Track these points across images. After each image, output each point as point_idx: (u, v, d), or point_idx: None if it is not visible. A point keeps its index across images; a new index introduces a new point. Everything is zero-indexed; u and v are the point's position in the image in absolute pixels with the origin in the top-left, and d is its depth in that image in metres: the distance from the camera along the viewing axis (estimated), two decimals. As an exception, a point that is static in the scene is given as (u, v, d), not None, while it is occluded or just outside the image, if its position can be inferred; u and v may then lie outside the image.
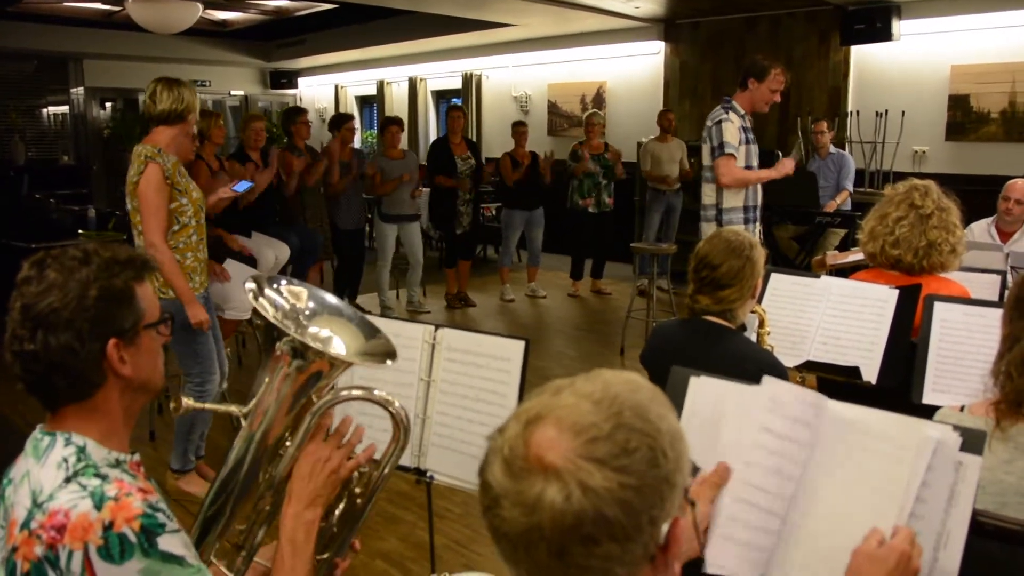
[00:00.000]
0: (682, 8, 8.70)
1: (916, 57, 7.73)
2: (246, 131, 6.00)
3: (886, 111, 7.88)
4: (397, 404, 1.47)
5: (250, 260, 5.27)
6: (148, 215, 3.43)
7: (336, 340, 1.54)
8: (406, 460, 2.12)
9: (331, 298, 1.60)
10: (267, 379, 1.47)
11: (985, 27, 7.26)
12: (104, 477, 1.28)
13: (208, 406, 1.55)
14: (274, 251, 5.54)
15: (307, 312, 1.55)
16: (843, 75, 8.22)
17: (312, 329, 1.54)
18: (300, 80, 14.63)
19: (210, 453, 4.13)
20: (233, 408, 1.52)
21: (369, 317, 1.64)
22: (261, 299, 1.48)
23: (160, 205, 3.45)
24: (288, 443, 1.49)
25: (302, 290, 1.59)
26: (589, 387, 0.93)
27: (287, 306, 1.54)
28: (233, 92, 14.04)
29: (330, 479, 1.45)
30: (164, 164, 3.46)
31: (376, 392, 1.47)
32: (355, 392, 1.47)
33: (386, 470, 1.53)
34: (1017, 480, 1.71)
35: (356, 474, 1.52)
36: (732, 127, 4.52)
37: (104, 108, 12.93)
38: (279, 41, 12.92)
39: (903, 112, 7.78)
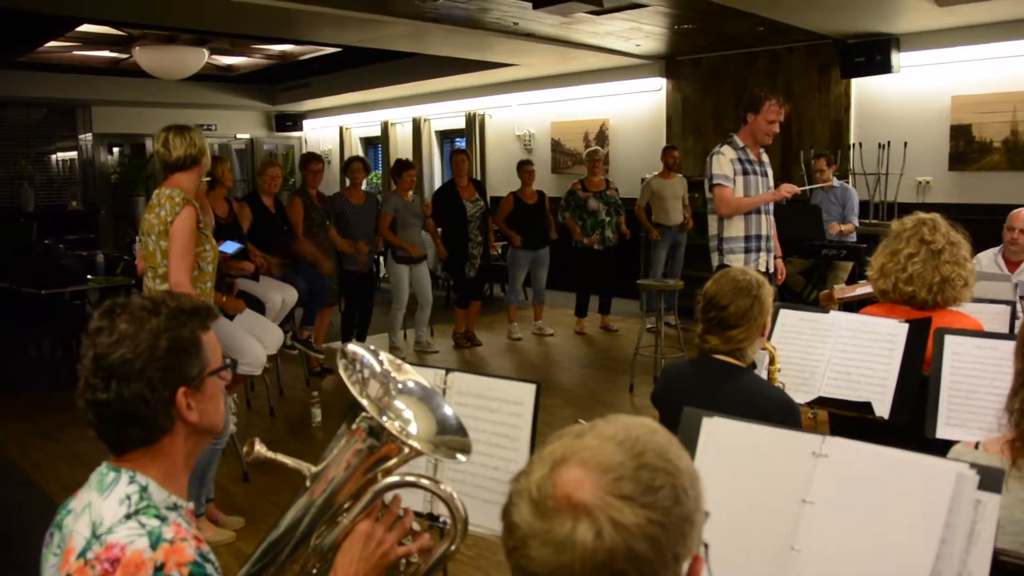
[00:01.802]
0: (682, 45, 8.78)
1: (917, 88, 7.79)
2: (263, 176, 6.07)
3: (888, 143, 7.92)
4: (458, 501, 1.47)
5: (258, 304, 5.28)
6: (178, 256, 3.48)
7: (413, 425, 1.55)
8: (417, 505, 2.11)
9: (422, 380, 1.62)
10: (339, 448, 1.48)
11: (984, 57, 7.33)
12: (163, 519, 1.31)
13: (280, 457, 1.55)
14: (281, 294, 5.55)
15: (399, 387, 1.57)
16: (844, 108, 8.27)
17: (397, 404, 1.55)
18: (305, 122, 14.78)
19: (218, 495, 4.12)
20: (304, 466, 1.52)
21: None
22: (344, 360, 1.50)
23: (190, 247, 3.51)
24: (344, 515, 1.49)
25: (401, 363, 1.61)
26: (610, 430, 0.95)
27: (378, 370, 1.56)
28: (239, 135, 14.18)
29: (380, 562, 1.45)
30: (197, 208, 3.54)
31: (442, 486, 1.48)
32: (423, 481, 1.47)
33: (434, 564, 1.52)
34: (1035, 518, 1.69)
35: (404, 561, 1.51)
36: (723, 159, 4.66)
37: (112, 153, 13.07)
38: (284, 84, 13.07)
39: (905, 143, 7.81)
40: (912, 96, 7.83)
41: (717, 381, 2.30)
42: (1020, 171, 7.24)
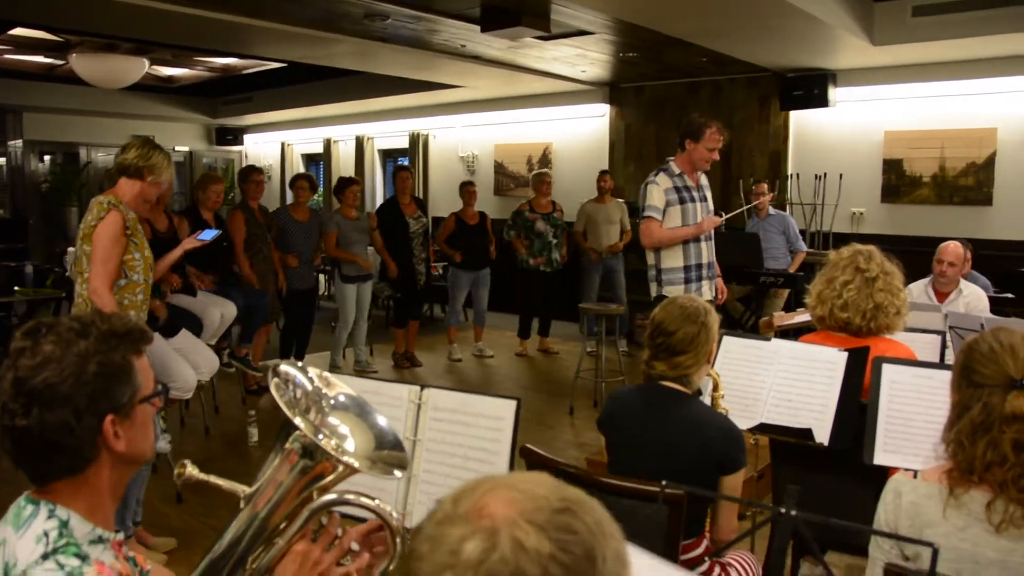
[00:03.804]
0: (627, 73, 8.92)
1: (852, 123, 8.03)
2: (205, 191, 5.95)
3: (824, 174, 8.14)
4: (396, 517, 1.44)
5: (195, 319, 5.17)
6: (97, 261, 3.36)
7: (350, 442, 1.52)
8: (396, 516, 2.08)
9: (353, 392, 1.58)
10: (273, 468, 1.44)
11: (915, 96, 7.60)
12: (84, 558, 1.24)
13: (213, 479, 1.50)
14: (220, 309, 5.44)
15: (332, 402, 1.54)
16: (783, 139, 8.48)
17: (331, 421, 1.52)
18: (246, 137, 14.58)
19: (149, 517, 4.00)
20: (239, 487, 1.48)
21: (356, 381, 1.61)
22: (277, 380, 1.45)
23: (112, 254, 3.39)
24: (280, 536, 1.45)
25: (333, 379, 1.57)
26: (557, 481, 0.91)
27: (310, 388, 1.52)
28: (178, 148, 13.90)
29: None
30: (125, 215, 3.43)
31: (379, 504, 1.45)
32: (362, 500, 1.44)
33: None
34: (972, 547, 1.73)
35: None
36: (657, 189, 4.59)
37: (43, 161, 12.69)
38: (225, 98, 12.88)
39: (841, 175, 8.04)
40: (847, 130, 8.07)
41: (663, 407, 2.32)
42: (947, 205, 7.51)
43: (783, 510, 1.54)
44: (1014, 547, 1.70)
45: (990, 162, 7.27)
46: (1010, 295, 5.63)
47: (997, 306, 4.87)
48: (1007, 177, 7.21)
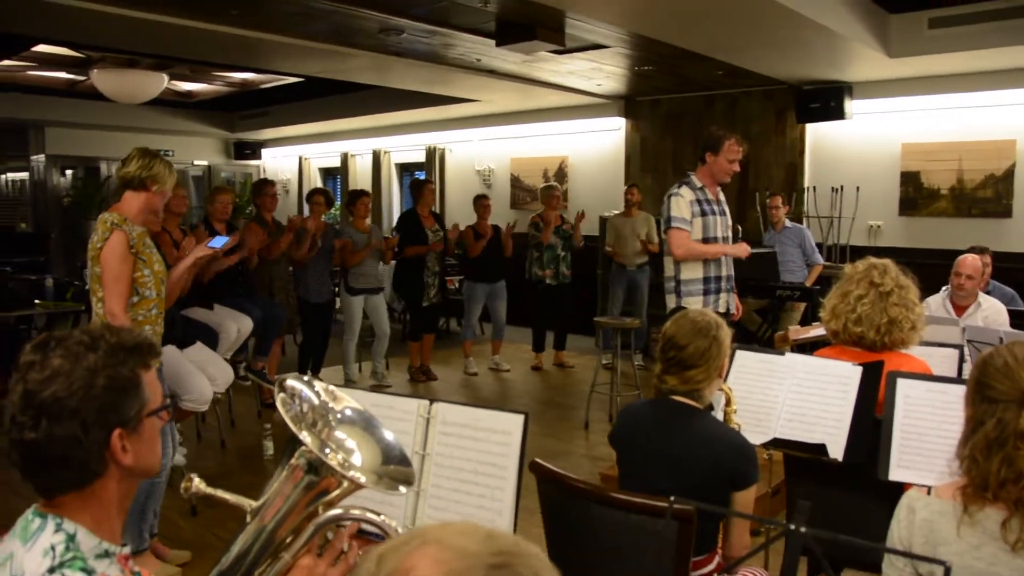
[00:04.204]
0: (642, 86, 8.92)
1: (869, 135, 7.99)
2: (213, 203, 6.00)
3: (841, 187, 8.10)
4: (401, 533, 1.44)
5: (212, 333, 5.19)
6: (110, 283, 3.37)
7: (356, 456, 1.52)
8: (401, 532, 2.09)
9: (359, 406, 1.58)
10: (280, 482, 1.45)
11: (932, 108, 7.56)
12: (90, 572, 1.24)
13: (220, 494, 1.50)
14: (236, 324, 5.47)
15: (338, 416, 1.54)
16: (799, 152, 8.45)
17: (338, 435, 1.52)
18: (264, 151, 14.69)
19: (164, 529, 4.02)
20: (245, 502, 1.48)
21: (366, 395, 1.62)
22: (283, 395, 1.46)
23: (122, 274, 3.39)
24: (286, 550, 1.46)
25: (340, 392, 1.57)
26: (490, 529, 0.87)
27: (316, 402, 1.52)
28: (197, 162, 14.04)
29: None
30: (129, 233, 3.42)
31: (384, 519, 1.45)
32: (369, 515, 1.44)
33: None
34: (986, 566, 1.70)
35: None
36: (682, 201, 4.60)
37: (64, 176, 12.83)
38: (243, 112, 12.99)
39: (858, 188, 7.99)
40: (864, 142, 8.03)
41: (674, 423, 2.31)
42: (965, 217, 7.45)
43: (793, 527, 1.52)
44: (1030, 566, 1.68)
45: (1009, 174, 7.22)
46: (1030, 309, 5.56)
47: (1017, 320, 4.81)
48: (1027, 189, 7.16)
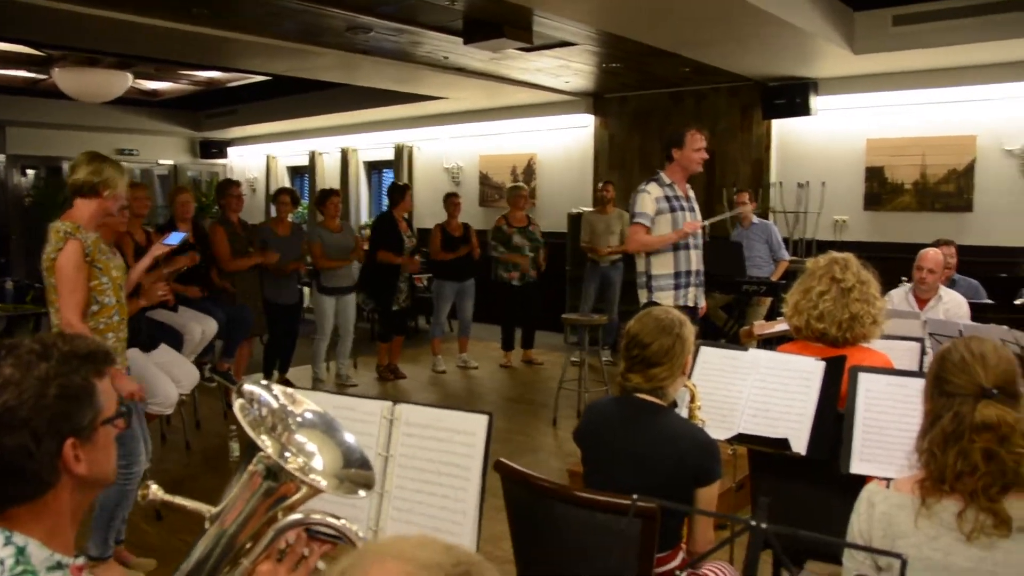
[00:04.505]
0: (610, 83, 8.94)
1: (834, 131, 8.08)
2: (173, 203, 5.95)
3: (807, 182, 8.18)
4: (362, 537, 1.44)
5: (176, 335, 5.14)
6: (66, 293, 3.30)
7: (316, 460, 1.50)
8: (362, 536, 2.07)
9: (319, 408, 1.57)
10: (239, 488, 1.43)
11: (896, 104, 7.66)
12: None
13: (178, 500, 1.48)
14: (201, 325, 5.42)
15: (298, 420, 1.52)
16: (765, 147, 8.52)
17: (298, 439, 1.50)
18: (231, 149, 14.55)
19: (130, 534, 3.97)
20: (204, 508, 1.46)
21: (328, 397, 1.60)
22: (241, 400, 1.44)
23: (78, 284, 3.31)
24: (245, 556, 1.44)
25: (299, 396, 1.56)
26: (446, 542, 0.88)
27: (275, 406, 1.50)
28: (162, 161, 13.87)
29: None
30: (84, 241, 3.34)
31: (344, 523, 1.44)
32: (330, 519, 1.43)
33: None
34: (943, 556, 1.73)
35: None
36: (648, 197, 4.67)
37: (26, 175, 12.63)
38: (209, 111, 12.86)
39: (823, 183, 8.08)
40: (829, 138, 8.12)
41: (638, 420, 2.32)
42: (928, 212, 7.56)
43: (753, 522, 1.54)
44: (984, 556, 1.71)
45: (970, 169, 7.33)
46: (990, 301, 5.65)
47: (977, 312, 4.89)
48: (987, 184, 7.28)
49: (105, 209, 3.46)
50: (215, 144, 14.27)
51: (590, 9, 5.70)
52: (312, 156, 13.19)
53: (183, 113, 13.07)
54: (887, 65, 7.19)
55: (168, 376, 4.46)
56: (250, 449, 1.42)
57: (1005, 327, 4.14)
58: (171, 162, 14.03)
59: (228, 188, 6.59)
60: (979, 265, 6.66)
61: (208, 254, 6.06)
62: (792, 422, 2.75)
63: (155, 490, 1.46)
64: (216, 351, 6.31)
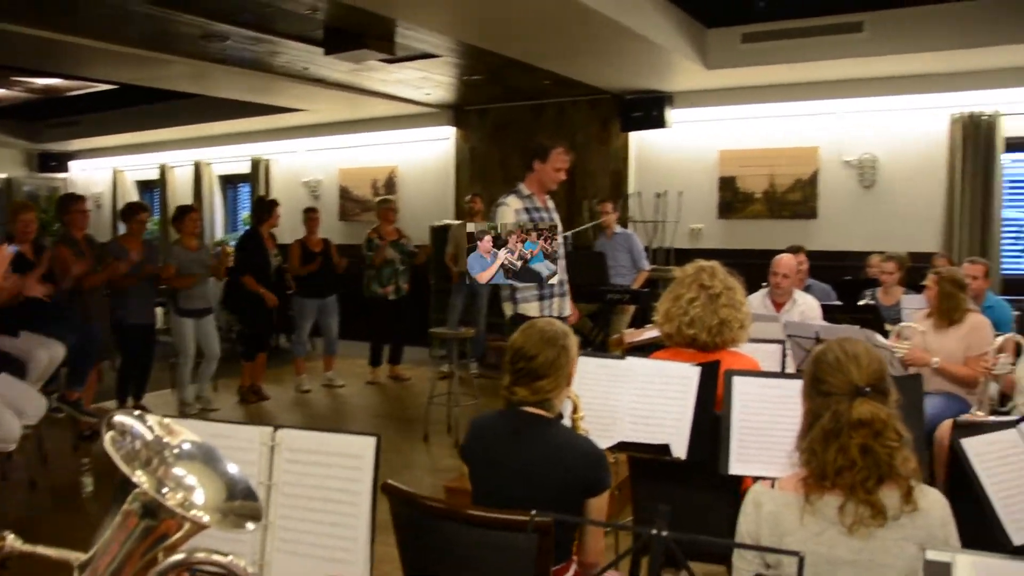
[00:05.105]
0: (471, 95, 8.97)
1: (689, 142, 8.39)
2: (14, 223, 5.50)
3: (665, 192, 8.45)
4: (252, 573, 1.34)
5: (18, 364, 4.77)
6: None
7: (198, 494, 1.39)
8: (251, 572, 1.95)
9: (197, 438, 1.45)
10: (112, 530, 1.29)
11: (747, 117, 8.04)
12: None
13: (40, 550, 1.34)
14: (47, 351, 5.04)
15: (175, 451, 1.40)
16: (623, 159, 8.75)
17: (176, 472, 1.38)
18: (72, 163, 13.75)
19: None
20: (70, 555, 1.32)
21: (203, 425, 1.48)
22: (112, 433, 1.31)
23: None
24: None
25: (176, 426, 1.43)
26: None
27: (150, 438, 1.37)
28: (-6, 175, 12.96)
29: None
30: None
31: (231, 559, 1.34)
32: (215, 557, 1.33)
33: None
34: (828, 550, 1.79)
35: None
36: (508, 210, 4.66)
37: None
38: (49, 121, 12.09)
39: (680, 193, 8.37)
40: (685, 150, 8.42)
41: (526, 433, 2.30)
42: (778, 219, 7.96)
43: (655, 531, 1.54)
44: (863, 546, 1.78)
45: (814, 179, 7.77)
46: (839, 303, 5.97)
47: (828, 313, 5.16)
48: (829, 192, 7.75)
49: None
50: (55, 157, 13.44)
51: (450, 21, 5.71)
52: (163, 170, 12.63)
53: (18, 123, 12.22)
54: (737, 80, 7.53)
55: (11, 408, 4.13)
56: (122, 487, 1.31)
57: (857, 327, 4.39)
58: (4, 176, 13.10)
59: (71, 203, 6.18)
60: (825, 269, 7.04)
61: (54, 276, 5.65)
62: (671, 427, 2.80)
63: (11, 540, 1.32)
64: (62, 379, 5.89)
